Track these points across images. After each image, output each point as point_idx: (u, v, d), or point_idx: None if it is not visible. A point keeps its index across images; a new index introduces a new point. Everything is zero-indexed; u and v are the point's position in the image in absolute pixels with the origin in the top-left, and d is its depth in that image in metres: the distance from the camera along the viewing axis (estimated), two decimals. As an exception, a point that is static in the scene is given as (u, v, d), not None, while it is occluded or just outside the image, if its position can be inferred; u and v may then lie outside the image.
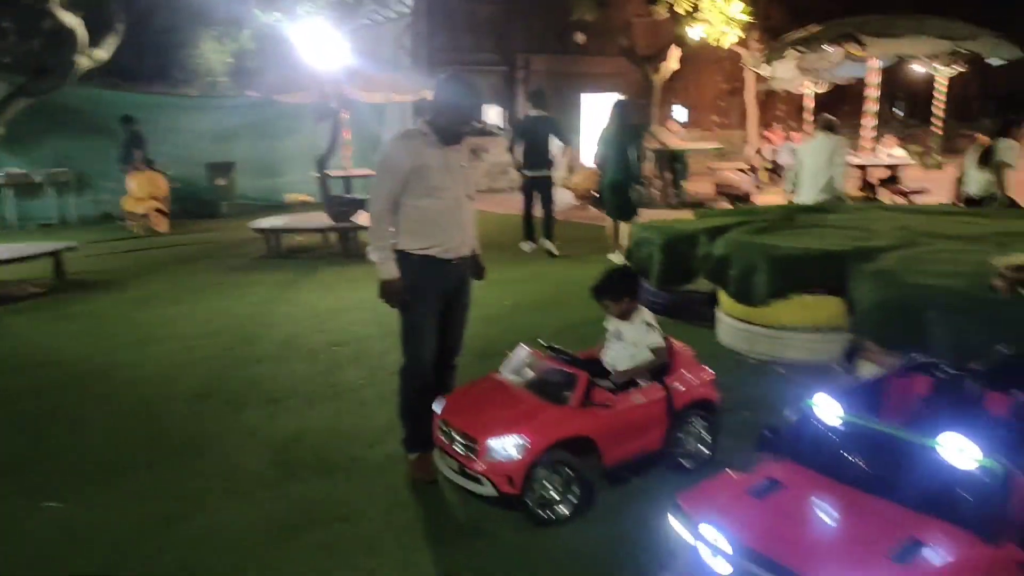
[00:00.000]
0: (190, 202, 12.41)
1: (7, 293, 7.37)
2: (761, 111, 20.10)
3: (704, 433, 3.45)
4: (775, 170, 14.90)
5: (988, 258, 3.92)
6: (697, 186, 13.89)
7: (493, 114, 18.34)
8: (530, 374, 3.37)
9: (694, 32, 14.04)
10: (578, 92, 18.98)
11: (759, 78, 14.78)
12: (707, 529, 1.99)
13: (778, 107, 21.87)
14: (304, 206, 12.57)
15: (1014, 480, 1.84)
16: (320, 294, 7.29)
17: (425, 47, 15.27)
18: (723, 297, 5.19)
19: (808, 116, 14.56)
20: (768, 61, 11.21)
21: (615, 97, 8.58)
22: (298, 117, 14.12)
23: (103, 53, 9.52)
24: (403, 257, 3.38)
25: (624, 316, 3.46)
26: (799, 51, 10.35)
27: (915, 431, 2.05)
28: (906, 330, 3.73)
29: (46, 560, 2.93)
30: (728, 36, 13.18)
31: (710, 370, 3.55)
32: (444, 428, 3.19)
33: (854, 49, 9.49)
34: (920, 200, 10.26)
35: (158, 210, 11.24)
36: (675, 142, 13.27)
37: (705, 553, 2.00)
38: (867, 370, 4.18)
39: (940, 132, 17.01)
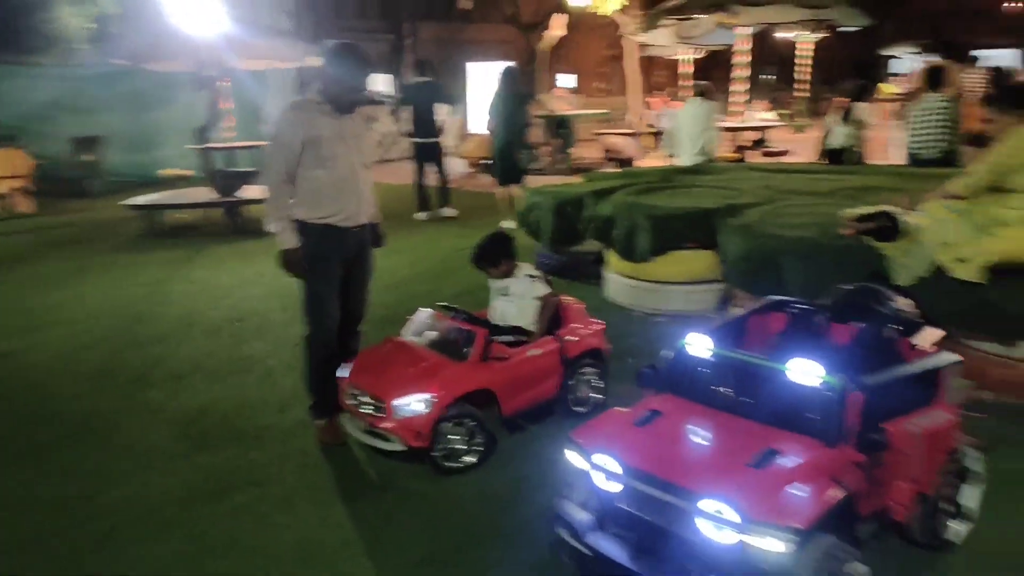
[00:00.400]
0: (55, 180, 11.55)
1: None
2: (642, 77, 20.78)
3: (595, 380, 3.73)
4: (656, 134, 15.55)
5: (838, 210, 4.41)
6: (584, 152, 14.31)
7: (382, 83, 18.05)
8: (432, 335, 3.53)
9: (577, 0, 14.35)
10: (465, 60, 18.96)
11: (639, 45, 15.28)
12: (599, 457, 2.23)
13: (657, 73, 22.65)
14: (182, 181, 12.01)
15: (850, 394, 2.18)
16: (213, 271, 7.11)
17: (308, 12, 14.78)
18: (610, 255, 5.52)
19: (685, 82, 15.26)
20: (646, 29, 11.65)
21: (502, 65, 8.71)
22: (171, 86, 13.38)
23: None
24: (302, 227, 3.43)
25: (507, 275, 3.67)
26: (674, 19, 10.83)
27: (771, 359, 2.38)
28: (767, 276, 4.16)
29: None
30: (609, 3, 13.56)
31: (599, 321, 3.83)
32: (351, 391, 3.31)
33: (724, 17, 10.04)
34: (784, 161, 11.05)
35: (20, 189, 10.45)
36: (563, 108, 13.59)
37: (599, 478, 2.25)
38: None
39: (806, 95, 18.20)
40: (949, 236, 3.71)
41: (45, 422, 3.94)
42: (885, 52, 20.02)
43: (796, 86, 17.94)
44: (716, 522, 1.96)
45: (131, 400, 4.20)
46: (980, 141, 5.81)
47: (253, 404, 4.07)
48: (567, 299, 3.80)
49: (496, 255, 3.69)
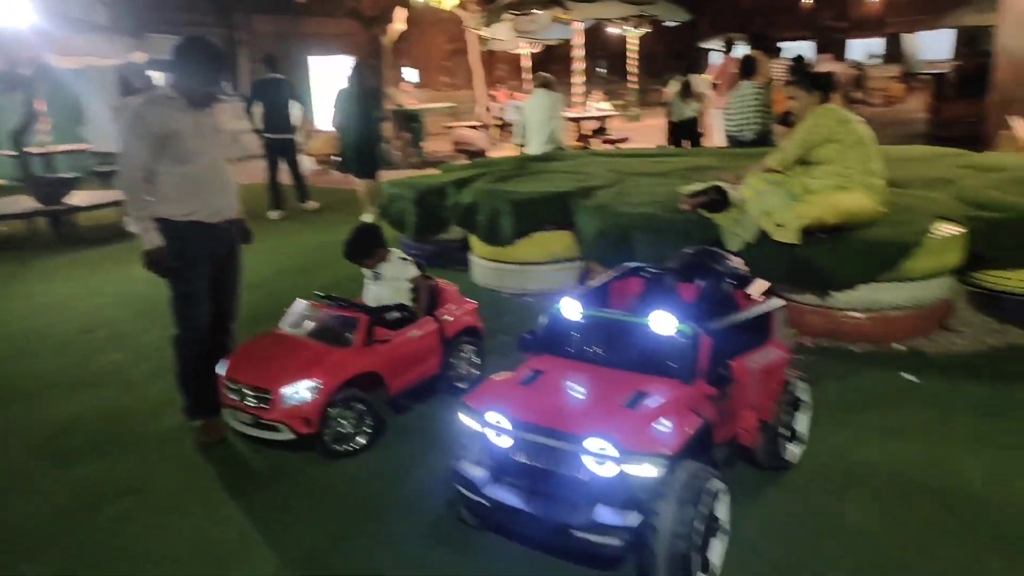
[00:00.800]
0: None
1: None
2: (485, 71, 21.23)
3: (473, 357, 3.93)
4: (504, 126, 16.02)
5: (675, 188, 4.90)
6: (435, 145, 14.46)
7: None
8: (310, 325, 3.57)
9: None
10: (305, 54, 18.46)
11: (481, 39, 15.64)
12: (491, 416, 2.43)
13: (499, 67, 23.20)
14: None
15: (700, 338, 2.52)
16: (48, 284, 6.58)
17: (127, 4, 13.73)
18: (474, 241, 5.73)
19: (526, 75, 15.81)
20: (487, 24, 11.97)
21: (344, 60, 8.71)
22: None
23: None
24: (167, 225, 3.35)
25: (381, 263, 3.79)
26: (512, 14, 11.23)
27: (633, 316, 2.68)
28: (620, 250, 4.54)
29: None
30: (449, -1, 13.83)
31: (472, 301, 4.04)
32: (232, 386, 3.29)
33: (559, 12, 10.55)
34: (624, 147, 11.81)
35: None
36: (410, 103, 13.65)
37: (491, 435, 2.45)
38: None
39: (636, 87, 19.40)
40: (769, 205, 4.25)
41: None
42: (704, 45, 21.78)
43: (628, 78, 19.09)
44: (598, 458, 2.22)
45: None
46: (787, 121, 6.62)
47: (119, 415, 3.89)
48: (441, 281, 3.97)
49: (369, 247, 3.78)
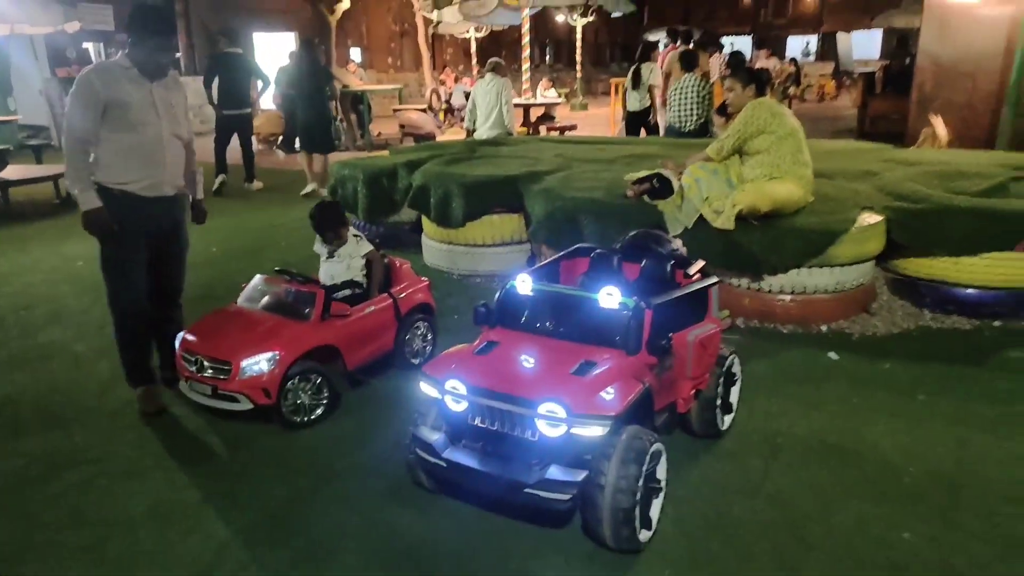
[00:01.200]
0: None
1: None
2: (432, 54, 21.16)
3: (427, 333, 4.07)
4: (451, 110, 16.04)
5: (621, 175, 5.11)
6: (381, 127, 14.40)
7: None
8: (267, 300, 3.64)
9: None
10: (250, 30, 18.02)
11: (428, 22, 15.61)
12: (450, 383, 2.58)
13: (447, 50, 23.15)
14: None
15: (643, 312, 2.72)
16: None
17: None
18: (426, 223, 5.84)
19: (473, 59, 15.88)
20: (437, 7, 11.99)
21: (287, 37, 8.68)
22: None
23: None
24: (102, 191, 3.34)
25: (342, 240, 3.88)
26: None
27: (582, 291, 2.87)
28: (568, 232, 4.73)
29: None
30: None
31: (424, 279, 4.16)
32: (190, 358, 3.35)
33: (508, -2, 10.67)
34: (570, 134, 12.03)
35: None
36: (357, 83, 13.55)
37: (449, 401, 2.60)
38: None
39: (580, 75, 19.67)
40: (707, 192, 4.50)
41: None
42: (650, 37, 22.19)
43: (574, 65, 19.35)
44: (549, 420, 2.40)
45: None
46: (724, 112, 6.93)
47: (66, 389, 3.88)
48: (395, 259, 4.08)
49: (337, 220, 3.87)
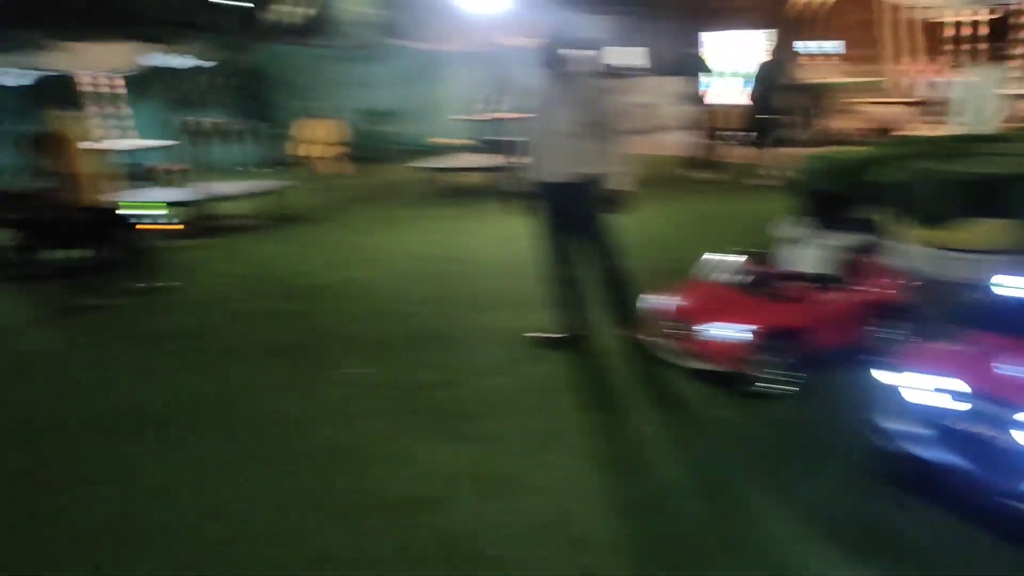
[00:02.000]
0: (355, 147, 13.48)
1: (242, 224, 8.62)
2: (905, 43, 19.07)
3: (894, 334, 3.93)
4: (924, 104, 14.34)
5: None
6: (843, 121, 13.61)
7: (636, 55, 18.64)
8: (738, 277, 3.96)
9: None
10: (699, 29, 18.66)
11: (904, 8, 14.17)
12: (941, 381, 2.55)
13: (923, 38, 20.64)
14: (450, 148, 13.37)
15: None
16: (485, 225, 8.02)
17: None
18: (902, 224, 5.49)
19: (964, 47, 13.92)
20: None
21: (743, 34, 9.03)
22: (439, 64, 14.90)
23: (307, 11, 10.18)
24: None
25: (826, 227, 3.97)
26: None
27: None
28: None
29: (349, 405, 3.88)
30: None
31: (899, 279, 4.03)
32: (677, 323, 3.85)
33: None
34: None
35: (344, 154, 12.44)
36: (815, 76, 13.14)
37: (936, 399, 2.57)
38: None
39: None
40: None
41: (401, 332, 4.96)
42: None
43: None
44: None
45: (468, 320, 5.12)
46: None
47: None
48: (870, 256, 4.04)
49: (841, 205, 4.03)
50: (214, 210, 8.39)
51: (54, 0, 10.99)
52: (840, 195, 4.06)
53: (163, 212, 7.82)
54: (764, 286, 3.81)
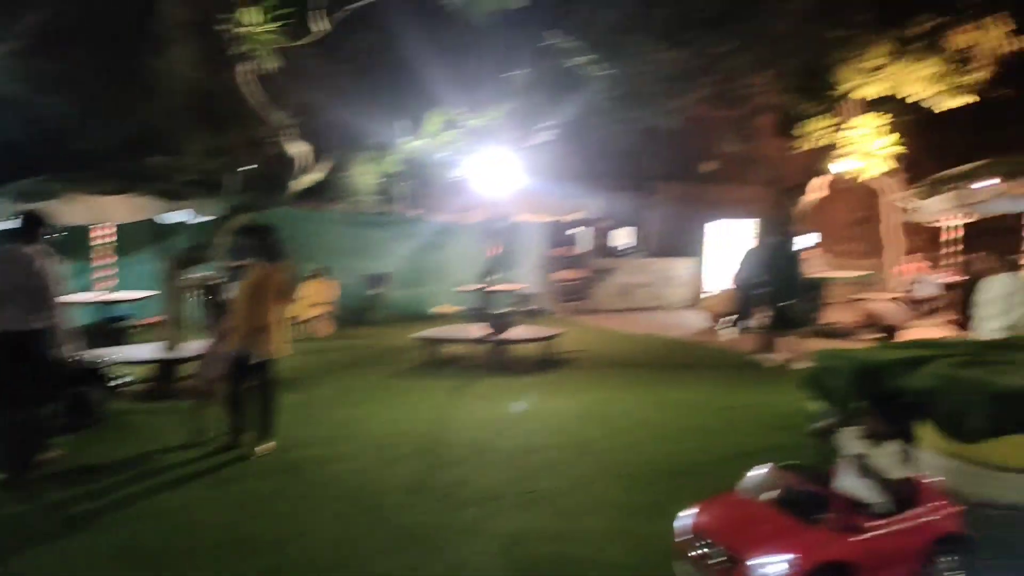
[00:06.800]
0: (348, 309, 13.28)
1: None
2: (900, 242, 19.75)
3: (954, 571, 3.39)
4: (916, 302, 14.49)
5: None
6: (837, 315, 13.64)
7: (624, 235, 19.10)
8: (775, 493, 3.46)
9: (840, 165, 14.41)
10: (703, 218, 19.36)
11: (898, 210, 14.72)
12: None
13: (913, 238, 21.43)
14: (451, 318, 13.19)
15: None
16: (488, 402, 7.58)
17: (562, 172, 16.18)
18: (927, 432, 5.09)
19: (948, 249, 14.33)
20: (925, 196, 11.26)
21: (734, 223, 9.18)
22: (445, 234, 15.15)
23: (319, 175, 10.36)
24: None
25: (875, 439, 3.53)
26: (960, 187, 10.41)
27: None
28: None
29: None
30: (873, 168, 13.42)
31: (958, 504, 3.53)
32: (700, 541, 3.30)
33: (1018, 186, 9.45)
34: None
35: (327, 314, 12.17)
36: (818, 269, 13.31)
37: None
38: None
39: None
40: None
41: (373, 527, 4.35)
42: None
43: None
44: None
45: (446, 516, 4.52)
46: None
47: (566, 538, 4.17)
48: (922, 476, 3.57)
49: (892, 413, 3.62)
50: (185, 371, 7.86)
51: (78, 151, 11.19)
52: (886, 398, 3.65)
53: (127, 371, 7.29)
54: (813, 509, 3.28)
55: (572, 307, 15.66)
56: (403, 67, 12.24)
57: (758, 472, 3.61)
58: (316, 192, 18.31)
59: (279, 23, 7.69)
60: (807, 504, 3.29)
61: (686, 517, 3.44)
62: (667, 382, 8.64)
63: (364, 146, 18.03)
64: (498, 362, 9.68)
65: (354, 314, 13.38)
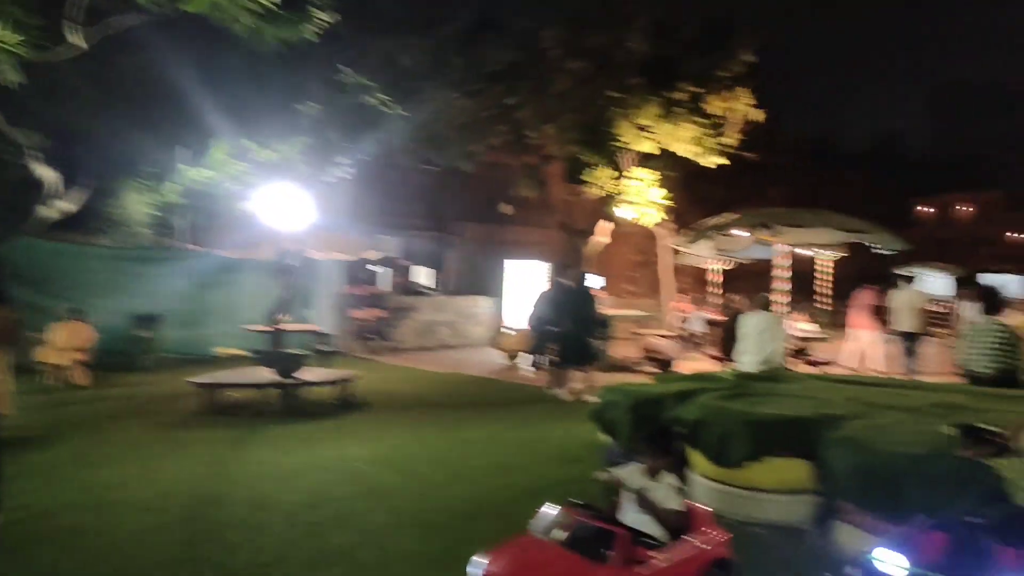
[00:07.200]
0: (111, 354, 11.80)
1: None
2: (672, 283, 21.78)
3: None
4: (688, 337, 15.99)
5: (939, 427, 4.50)
6: (621, 351, 14.62)
7: (424, 274, 19.05)
8: (562, 533, 3.48)
9: (622, 212, 15.59)
10: (503, 258, 20.04)
11: (673, 253, 16.28)
12: None
13: (685, 279, 23.72)
14: (233, 360, 12.25)
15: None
16: (275, 452, 7.04)
17: (363, 211, 15.90)
18: (697, 459, 5.50)
19: (713, 289, 16.08)
20: (693, 241, 12.45)
21: (534, 264, 9.77)
22: (230, 270, 14.13)
23: (70, 205, 9.18)
24: None
25: (653, 472, 3.68)
26: (719, 234, 11.62)
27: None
28: (882, 492, 4.14)
29: None
30: (650, 217, 14.70)
31: (726, 531, 3.78)
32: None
33: (766, 235, 10.76)
34: (829, 371, 11.24)
35: (80, 362, 10.69)
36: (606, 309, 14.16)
37: None
38: (843, 531, 4.54)
39: (829, 308, 18.85)
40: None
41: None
42: (899, 271, 21.05)
43: (818, 298, 18.67)
44: None
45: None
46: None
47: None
48: (693, 504, 3.78)
49: (661, 446, 3.76)
50: None
51: None
52: (658, 433, 3.85)
53: None
54: (587, 544, 3.33)
55: (372, 346, 15.27)
56: (183, 94, 11.36)
57: (547, 511, 3.62)
58: (79, 222, 16.32)
59: (23, 36, 6.75)
60: (594, 542, 3.34)
61: (478, 564, 3.35)
62: (466, 420, 8.63)
63: (138, 174, 16.42)
64: (288, 408, 9.10)
65: (119, 359, 11.93)
